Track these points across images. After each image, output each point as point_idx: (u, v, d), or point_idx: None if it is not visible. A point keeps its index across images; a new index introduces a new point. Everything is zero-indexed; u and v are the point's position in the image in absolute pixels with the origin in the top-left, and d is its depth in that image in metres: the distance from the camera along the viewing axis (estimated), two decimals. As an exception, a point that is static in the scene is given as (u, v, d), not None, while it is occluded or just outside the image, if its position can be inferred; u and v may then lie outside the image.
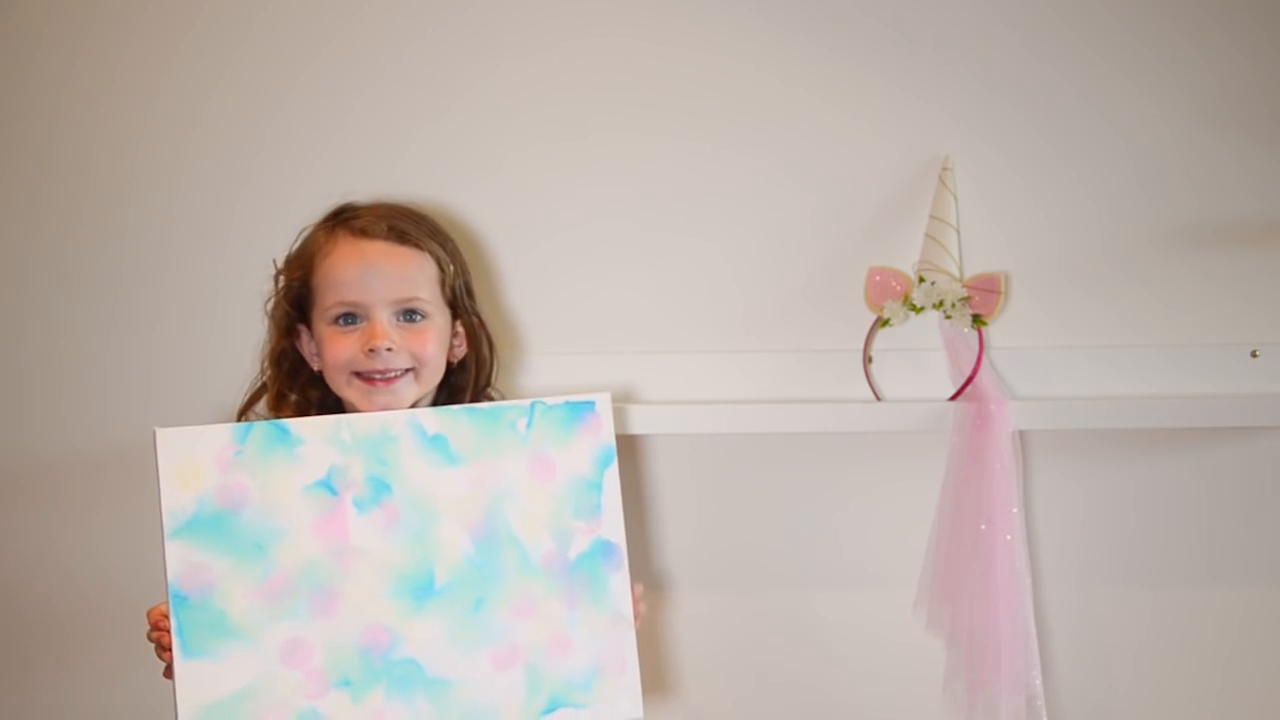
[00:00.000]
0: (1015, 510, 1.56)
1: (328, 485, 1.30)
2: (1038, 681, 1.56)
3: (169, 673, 1.25)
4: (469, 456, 1.34)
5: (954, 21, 1.64)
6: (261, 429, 1.28)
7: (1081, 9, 1.63)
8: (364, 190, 1.49)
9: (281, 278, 1.46)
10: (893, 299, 1.63)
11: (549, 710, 1.35)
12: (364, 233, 1.41)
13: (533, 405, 1.36)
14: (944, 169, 1.63)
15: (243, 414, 1.47)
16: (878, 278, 1.64)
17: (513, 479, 1.35)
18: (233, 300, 1.63)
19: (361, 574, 1.31)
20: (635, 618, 1.36)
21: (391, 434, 1.32)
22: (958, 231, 1.62)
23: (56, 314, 1.74)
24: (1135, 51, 1.62)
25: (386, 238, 1.41)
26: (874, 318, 1.65)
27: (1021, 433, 1.59)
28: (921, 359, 1.65)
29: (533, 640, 1.34)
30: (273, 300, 1.46)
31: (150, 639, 1.30)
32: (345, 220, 1.43)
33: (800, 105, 1.65)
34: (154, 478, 1.23)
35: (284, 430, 1.29)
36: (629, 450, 1.70)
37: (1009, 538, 1.56)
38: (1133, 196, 1.63)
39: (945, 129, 1.64)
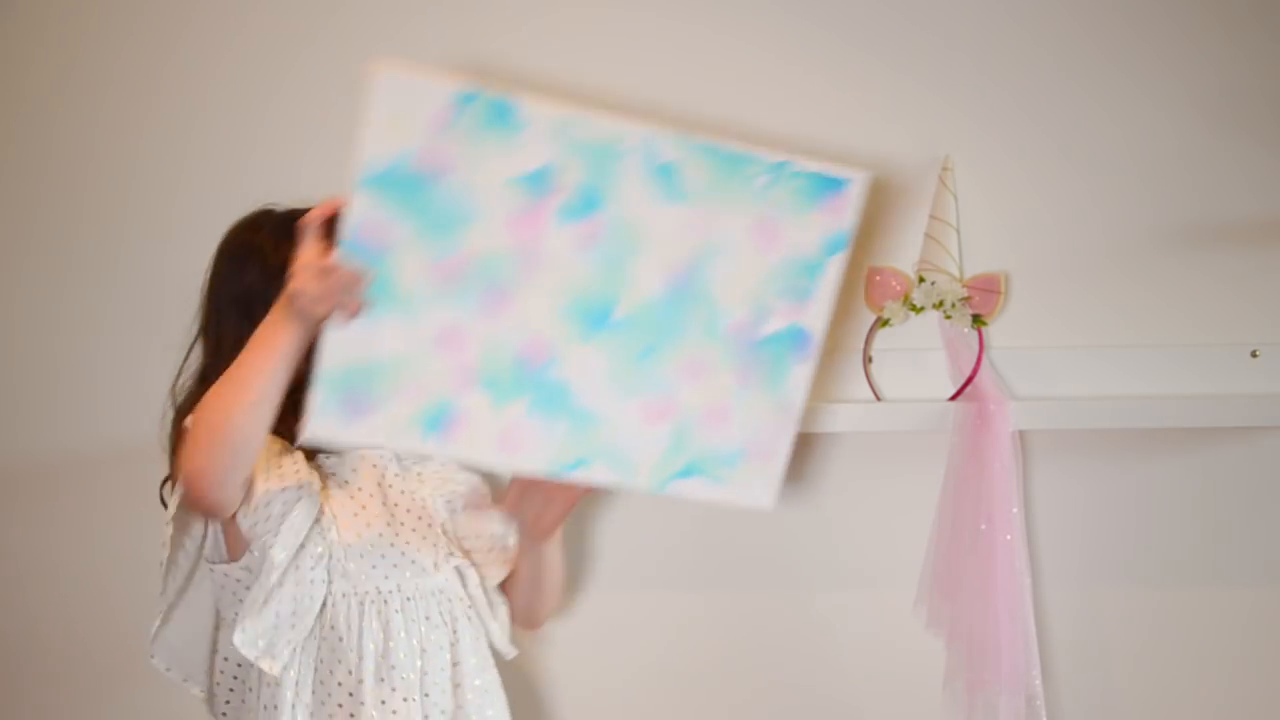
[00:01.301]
0: (1015, 510, 1.56)
1: (536, 181, 1.20)
2: (1038, 681, 1.56)
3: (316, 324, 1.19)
4: (695, 197, 1.24)
5: (954, 21, 1.64)
6: (486, 101, 1.18)
7: (1082, 9, 1.62)
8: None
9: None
10: (893, 299, 1.62)
11: (683, 474, 1.29)
12: None
13: (781, 165, 1.26)
14: (944, 169, 1.62)
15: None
16: (878, 278, 1.64)
17: (731, 236, 1.26)
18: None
19: (542, 283, 1.23)
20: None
21: (620, 149, 1.22)
22: (958, 231, 1.62)
23: (54, 314, 1.74)
24: (1136, 51, 1.62)
25: None
26: (874, 318, 1.65)
27: (1021, 432, 1.59)
28: (921, 359, 1.64)
29: (691, 403, 1.28)
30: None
31: (327, 281, 1.17)
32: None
33: (800, 105, 1.65)
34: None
35: (509, 110, 1.19)
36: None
37: (1009, 537, 1.56)
38: (1133, 196, 1.63)
39: (945, 129, 1.64)
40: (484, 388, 1.23)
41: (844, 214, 1.29)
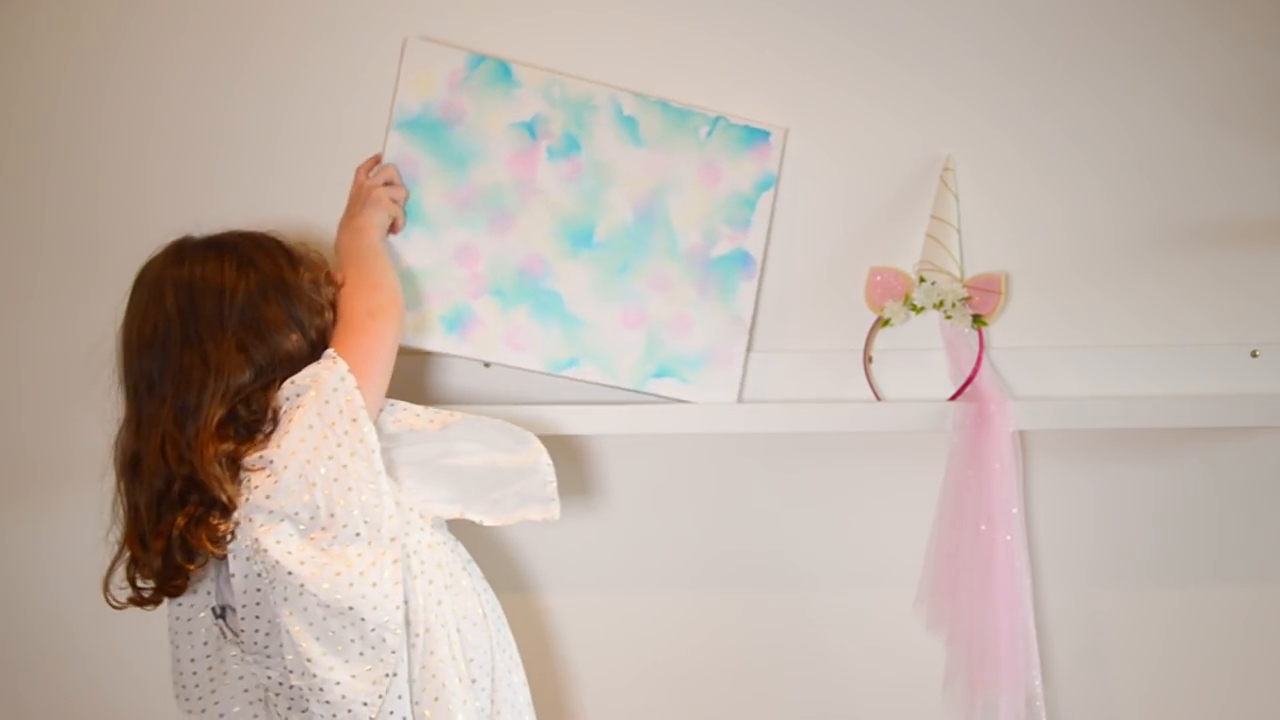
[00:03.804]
0: (1015, 510, 1.56)
1: (530, 128, 1.56)
2: (1037, 682, 1.56)
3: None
4: (652, 143, 1.58)
5: (956, 21, 1.63)
6: (490, 65, 1.55)
7: (1083, 8, 1.62)
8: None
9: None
10: (893, 299, 1.62)
11: (658, 375, 1.58)
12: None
13: (716, 119, 1.59)
14: (945, 169, 1.62)
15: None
16: (879, 278, 1.64)
17: (682, 175, 1.58)
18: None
19: (536, 210, 1.56)
20: None
21: (594, 104, 1.57)
22: (959, 231, 1.62)
23: (56, 314, 1.74)
24: (1137, 52, 1.62)
25: None
26: (874, 318, 1.65)
27: (1021, 433, 1.59)
28: (921, 359, 1.64)
29: (659, 313, 1.58)
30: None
31: (383, 193, 1.51)
32: (281, 245, 1.42)
33: (801, 103, 1.64)
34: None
35: (507, 71, 1.55)
36: (629, 450, 1.70)
37: (1009, 538, 1.56)
38: (1133, 197, 1.63)
39: (947, 129, 1.64)
40: (492, 294, 1.55)
41: (769, 159, 1.60)
